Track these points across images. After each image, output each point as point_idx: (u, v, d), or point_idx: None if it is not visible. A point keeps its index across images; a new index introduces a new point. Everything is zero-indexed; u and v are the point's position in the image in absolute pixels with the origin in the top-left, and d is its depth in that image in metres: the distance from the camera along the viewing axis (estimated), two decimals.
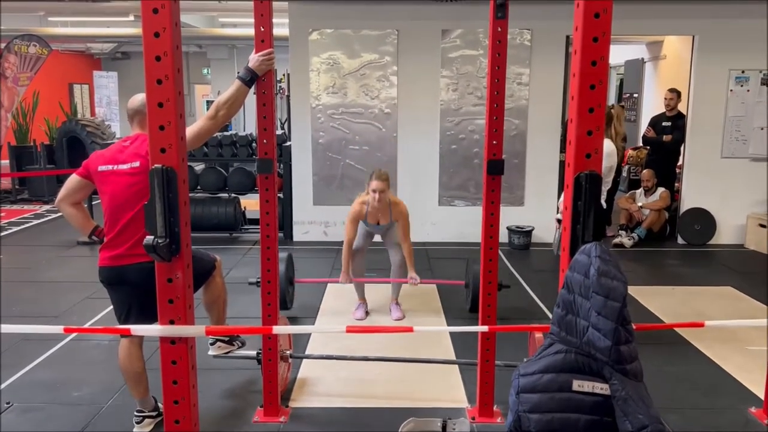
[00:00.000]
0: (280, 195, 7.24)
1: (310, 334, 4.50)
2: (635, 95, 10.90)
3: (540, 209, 7.06)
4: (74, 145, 10.34)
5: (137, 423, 3.21)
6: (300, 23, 7.09)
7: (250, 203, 7.49)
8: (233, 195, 7.61)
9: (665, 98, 7.61)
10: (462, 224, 7.14)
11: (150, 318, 2.66)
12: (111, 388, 3.67)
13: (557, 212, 4.43)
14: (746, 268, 6.40)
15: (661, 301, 5.25)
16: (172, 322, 1.97)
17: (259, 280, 3.28)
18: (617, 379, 1.48)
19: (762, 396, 3.47)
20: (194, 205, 7.18)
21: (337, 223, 7.07)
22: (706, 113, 7.12)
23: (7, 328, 2.49)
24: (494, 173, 3.13)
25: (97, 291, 4.74)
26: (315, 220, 7.36)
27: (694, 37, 7.10)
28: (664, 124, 7.64)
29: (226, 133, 7.87)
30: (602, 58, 1.71)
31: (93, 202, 7.06)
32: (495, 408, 3.39)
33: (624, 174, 9.17)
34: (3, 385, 3.71)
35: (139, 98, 3.07)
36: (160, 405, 3.22)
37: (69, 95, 15.36)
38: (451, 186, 7.33)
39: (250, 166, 7.67)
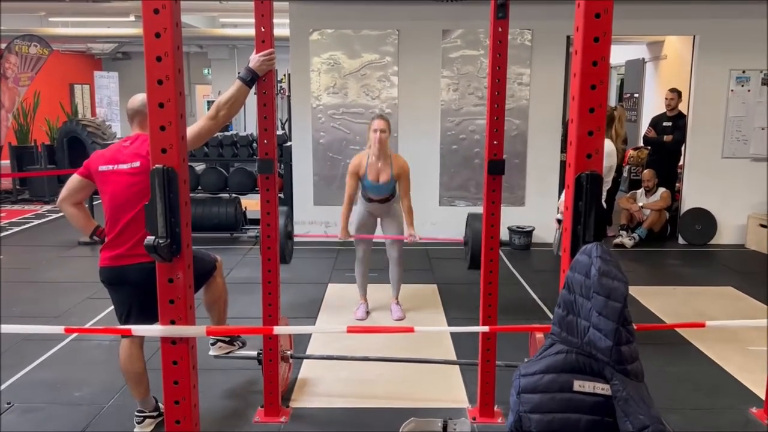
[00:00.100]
0: (281, 195, 7.24)
1: (310, 334, 4.49)
2: (636, 95, 10.90)
3: (541, 209, 7.06)
4: (75, 145, 10.35)
5: (138, 423, 3.21)
6: (300, 23, 7.09)
7: (251, 203, 7.49)
8: (234, 195, 7.61)
9: (666, 98, 7.61)
10: (463, 224, 7.09)
11: (151, 318, 2.66)
12: (112, 388, 3.67)
13: (557, 212, 4.43)
14: (747, 268, 6.40)
15: (662, 301, 5.25)
16: (172, 323, 1.97)
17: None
18: (618, 379, 1.48)
19: (763, 396, 3.46)
20: (195, 206, 7.18)
21: (337, 223, 7.05)
22: (707, 113, 7.11)
23: (8, 328, 2.49)
24: (495, 173, 3.13)
25: (98, 291, 4.74)
26: (315, 220, 7.36)
27: (694, 37, 7.10)
28: (664, 124, 7.64)
29: (226, 134, 7.88)
30: (603, 59, 1.71)
31: (94, 202, 7.07)
32: (496, 408, 3.39)
33: (625, 174, 9.17)
34: (4, 386, 3.71)
35: (139, 98, 3.07)
36: (160, 405, 3.22)
37: (70, 95, 15.37)
38: (451, 186, 7.33)
39: (251, 166, 7.67)
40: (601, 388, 1.50)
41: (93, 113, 15.30)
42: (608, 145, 4.54)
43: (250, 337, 3.73)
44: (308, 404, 3.58)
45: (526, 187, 7.30)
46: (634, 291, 5.02)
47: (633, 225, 7.42)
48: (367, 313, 4.97)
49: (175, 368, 2.01)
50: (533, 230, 7.12)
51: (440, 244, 7.09)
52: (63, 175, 7.98)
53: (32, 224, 8.50)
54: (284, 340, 3.67)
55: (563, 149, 7.14)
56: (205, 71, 16.98)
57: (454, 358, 4.14)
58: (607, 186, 4.82)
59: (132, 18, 10.65)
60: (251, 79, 2.93)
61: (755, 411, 3.47)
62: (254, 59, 2.94)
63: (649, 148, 8.32)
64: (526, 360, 2.31)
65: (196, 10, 11.29)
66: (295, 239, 6.64)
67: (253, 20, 3.00)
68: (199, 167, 8.05)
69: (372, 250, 4.98)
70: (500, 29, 2.99)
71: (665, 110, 7.68)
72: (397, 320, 4.86)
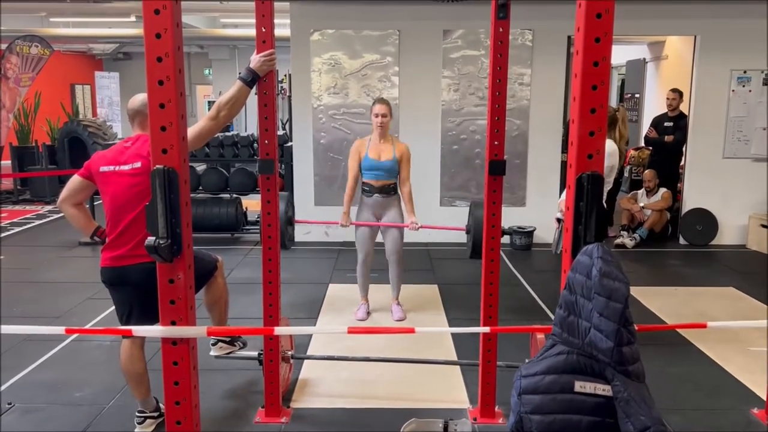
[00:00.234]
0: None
1: (311, 335, 4.49)
2: (637, 95, 10.90)
3: (541, 210, 7.04)
4: (76, 145, 10.36)
5: (139, 424, 3.21)
6: (301, 24, 7.09)
7: (252, 204, 7.49)
8: (235, 195, 7.61)
9: (667, 98, 7.60)
10: (463, 224, 7.12)
11: (151, 318, 2.66)
12: (112, 388, 3.67)
13: (557, 211, 4.42)
14: (748, 269, 6.40)
15: (663, 302, 5.25)
16: (173, 323, 1.97)
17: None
18: (619, 380, 1.48)
19: (764, 397, 3.46)
20: (196, 206, 7.18)
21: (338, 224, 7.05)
22: (708, 113, 7.11)
23: (9, 328, 2.49)
24: (496, 173, 3.13)
25: (99, 292, 4.75)
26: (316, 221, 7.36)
27: (695, 37, 7.10)
28: (666, 124, 7.64)
29: (227, 134, 7.88)
30: (604, 59, 1.71)
31: (94, 203, 7.07)
32: (497, 409, 3.39)
33: (626, 174, 9.16)
34: (4, 386, 3.71)
35: (140, 99, 3.07)
36: (161, 406, 3.22)
37: (71, 96, 15.38)
38: (452, 186, 7.33)
39: (252, 166, 7.68)
40: (603, 389, 1.50)
41: (94, 113, 15.31)
42: (610, 146, 4.53)
43: (251, 338, 3.73)
44: (309, 405, 3.58)
45: (526, 188, 7.30)
46: (635, 291, 5.02)
47: (634, 225, 7.41)
48: (368, 313, 4.97)
49: (176, 369, 2.01)
50: (534, 230, 7.11)
51: (441, 244, 7.09)
52: (64, 176, 7.98)
53: (33, 224, 8.50)
54: (285, 341, 3.67)
55: (564, 149, 7.14)
56: (206, 71, 16.99)
57: (455, 358, 4.13)
58: (608, 186, 4.81)
59: (133, 18, 10.66)
60: (252, 79, 2.93)
61: (756, 412, 3.47)
62: (255, 59, 2.94)
63: (651, 148, 8.32)
64: (527, 361, 2.30)
65: (197, 10, 11.29)
66: (296, 240, 6.65)
67: (253, 20, 3.00)
68: (200, 167, 8.05)
69: (374, 251, 4.97)
70: (501, 29, 2.98)
71: (666, 110, 7.68)
72: (397, 321, 4.86)
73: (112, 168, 3.04)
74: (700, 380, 3.89)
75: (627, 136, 6.90)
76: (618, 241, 7.20)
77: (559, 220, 4.41)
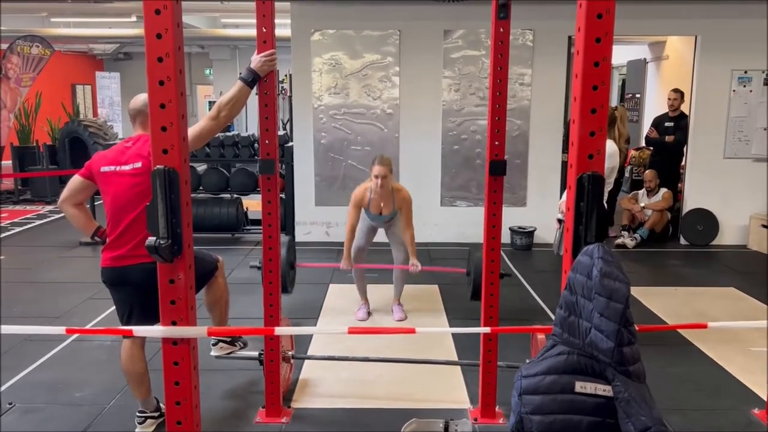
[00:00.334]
0: (282, 195, 7.24)
1: (312, 335, 4.49)
2: (637, 96, 10.89)
3: (542, 210, 7.05)
4: (76, 145, 10.36)
5: (139, 424, 3.21)
6: (302, 24, 7.09)
7: (252, 204, 7.49)
8: (235, 195, 7.62)
9: (669, 98, 7.60)
10: (464, 225, 7.14)
11: (152, 319, 2.66)
12: (113, 388, 3.67)
13: (558, 212, 4.43)
14: (749, 269, 6.39)
15: (664, 302, 5.25)
16: (174, 323, 1.97)
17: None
18: (620, 380, 1.48)
19: (764, 397, 3.46)
20: (196, 206, 7.19)
21: (339, 224, 7.06)
22: (709, 114, 7.10)
23: (9, 328, 2.49)
24: (496, 174, 3.13)
25: (99, 292, 4.75)
26: (317, 221, 7.36)
27: (696, 37, 7.10)
28: (666, 124, 7.64)
29: (228, 134, 7.87)
30: (605, 59, 1.71)
31: (95, 203, 7.07)
32: (497, 409, 3.39)
33: (626, 174, 9.16)
34: (5, 386, 3.71)
35: (141, 99, 3.07)
36: (162, 406, 3.22)
37: (71, 96, 15.39)
38: (453, 186, 7.33)
39: (252, 166, 7.67)
40: (603, 389, 1.50)
41: (95, 114, 15.32)
42: (611, 146, 4.54)
43: (252, 338, 3.74)
44: (309, 405, 3.58)
45: (527, 188, 7.30)
46: (635, 292, 5.01)
47: (635, 225, 7.41)
48: (369, 313, 4.97)
49: (177, 369, 2.01)
50: (535, 231, 7.11)
51: (442, 244, 7.09)
52: (64, 176, 7.99)
53: (34, 224, 8.51)
54: (285, 341, 3.67)
55: (565, 150, 7.14)
56: (207, 71, 16.99)
57: (455, 358, 4.13)
58: (609, 187, 4.82)
59: (134, 18, 10.66)
60: (253, 79, 2.93)
61: (757, 412, 3.47)
62: (255, 60, 2.94)
63: (651, 148, 8.32)
64: (527, 361, 2.30)
65: (198, 10, 11.30)
66: (297, 240, 6.64)
67: (254, 21, 3.00)
68: (201, 167, 8.05)
69: (371, 251, 4.97)
70: (502, 29, 2.98)
71: (667, 110, 7.68)
72: (398, 321, 4.86)
73: (112, 168, 3.04)
74: (701, 380, 3.88)
75: (626, 135, 6.90)
76: (619, 241, 7.20)
77: (560, 221, 4.41)
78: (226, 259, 3.77)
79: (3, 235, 7.79)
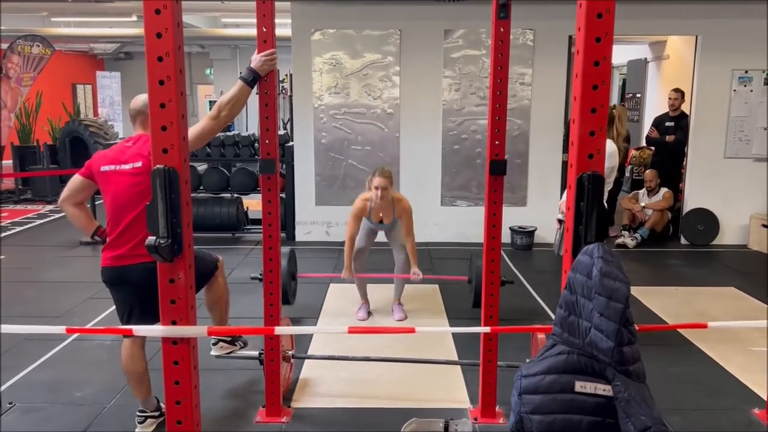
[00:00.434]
0: (283, 195, 7.24)
1: (312, 335, 4.49)
2: (638, 95, 10.89)
3: (543, 209, 7.05)
4: (77, 145, 10.37)
5: (139, 423, 3.21)
6: (302, 23, 7.09)
7: (253, 203, 7.49)
8: (236, 195, 7.62)
9: (669, 98, 7.60)
10: (464, 224, 7.14)
11: (152, 318, 2.66)
12: (113, 388, 3.68)
13: (559, 212, 4.43)
14: (749, 269, 6.39)
15: (664, 302, 5.24)
16: (174, 323, 1.97)
17: (261, 276, 3.28)
18: (620, 380, 1.48)
19: (765, 397, 3.46)
20: (197, 206, 7.19)
21: (339, 224, 7.06)
22: (709, 113, 7.10)
23: (9, 328, 2.49)
24: (497, 173, 3.13)
25: (100, 291, 4.75)
26: (317, 220, 7.36)
27: (697, 37, 7.09)
28: (667, 124, 7.63)
29: (228, 134, 7.88)
30: (605, 59, 1.71)
31: (96, 202, 7.07)
32: (497, 409, 3.39)
33: (627, 174, 9.16)
34: (5, 386, 3.71)
35: (141, 99, 3.07)
36: (162, 405, 3.22)
37: (72, 95, 15.40)
38: (453, 186, 7.33)
39: (253, 166, 7.68)
40: (603, 389, 1.50)
41: (95, 113, 15.32)
42: (610, 146, 4.53)
43: (252, 337, 3.74)
44: (310, 404, 3.58)
45: (527, 187, 7.30)
46: (635, 291, 5.01)
47: (635, 225, 7.41)
48: (369, 313, 4.97)
49: (177, 368, 2.01)
50: (535, 230, 7.11)
51: (442, 244, 7.09)
52: (65, 175, 7.99)
53: (34, 224, 8.51)
54: (286, 341, 3.67)
55: (565, 149, 7.13)
56: (207, 71, 17.00)
57: (455, 358, 4.13)
58: (608, 187, 4.81)
59: (134, 18, 10.66)
60: (253, 79, 2.93)
61: (757, 412, 3.47)
62: (256, 59, 2.94)
63: (652, 148, 8.31)
64: (527, 361, 2.30)
65: (198, 10, 11.30)
66: (297, 239, 6.64)
67: (254, 20, 3.00)
68: (201, 167, 8.06)
69: (372, 250, 4.97)
70: (502, 29, 2.98)
71: (668, 110, 7.67)
72: (398, 321, 4.86)
73: (113, 167, 3.04)
74: (701, 380, 3.88)
75: (624, 134, 6.90)
76: (619, 240, 7.20)
77: (560, 222, 4.41)
78: (226, 258, 3.77)
79: (3, 234, 7.79)
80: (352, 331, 2.85)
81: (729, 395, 3.70)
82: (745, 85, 7.04)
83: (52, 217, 8.85)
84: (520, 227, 7.11)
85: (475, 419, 3.36)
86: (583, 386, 1.51)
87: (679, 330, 4.52)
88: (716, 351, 4.24)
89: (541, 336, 3.24)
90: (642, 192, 7.59)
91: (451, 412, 3.33)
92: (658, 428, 1.42)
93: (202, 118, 3.02)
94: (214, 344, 3.54)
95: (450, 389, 3.76)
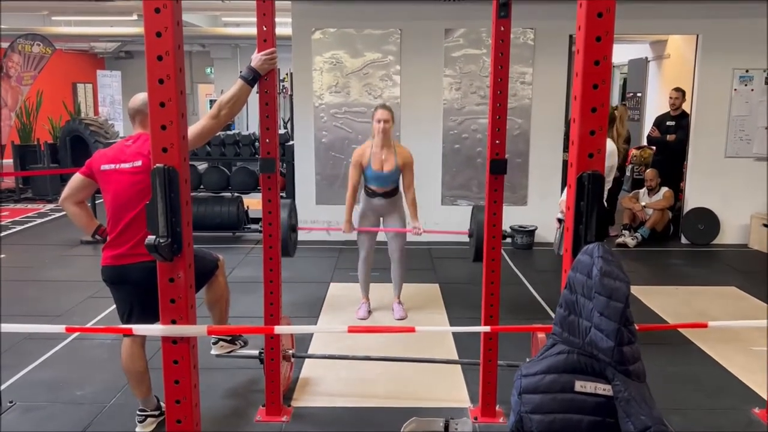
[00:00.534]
0: (283, 194, 7.24)
1: (312, 334, 4.49)
2: (639, 94, 10.88)
3: (543, 209, 7.04)
4: (77, 144, 10.37)
5: (139, 422, 3.22)
6: (303, 23, 7.08)
7: (253, 202, 7.49)
8: (236, 194, 7.62)
9: (670, 97, 7.59)
10: (465, 224, 7.09)
11: (152, 317, 2.66)
12: (113, 387, 3.68)
13: (559, 211, 4.42)
14: (750, 268, 6.39)
15: (664, 301, 5.24)
16: (173, 322, 1.97)
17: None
18: (620, 380, 1.48)
19: (765, 397, 3.46)
20: (197, 205, 7.19)
21: (339, 223, 7.03)
22: (710, 113, 7.09)
23: (10, 327, 2.49)
24: (497, 173, 3.13)
25: (100, 290, 4.75)
26: (318, 220, 7.36)
27: (697, 36, 7.08)
28: (668, 123, 7.63)
29: (228, 133, 7.88)
30: (605, 58, 1.70)
31: (96, 201, 7.08)
32: (497, 408, 3.39)
33: (628, 173, 9.15)
34: (5, 385, 3.70)
35: (140, 98, 3.07)
36: (162, 404, 3.22)
37: (72, 94, 15.40)
38: (453, 185, 7.33)
39: (253, 165, 7.68)
40: (603, 388, 1.50)
41: (96, 112, 15.32)
42: (609, 146, 4.53)
43: (252, 337, 3.74)
44: (310, 403, 3.58)
45: (528, 187, 7.29)
46: (636, 291, 5.01)
47: (636, 224, 7.41)
48: (369, 312, 4.97)
49: (176, 367, 2.01)
50: (536, 230, 7.10)
51: (442, 243, 7.08)
52: (66, 174, 7.99)
53: (35, 223, 8.51)
54: (286, 340, 3.67)
55: (566, 149, 7.13)
56: (208, 70, 17.00)
57: (455, 357, 4.13)
58: (608, 186, 4.81)
59: (134, 17, 10.67)
60: (253, 78, 2.93)
61: (757, 411, 3.46)
62: (256, 58, 2.94)
63: (653, 147, 8.30)
64: (527, 360, 2.30)
65: (199, 9, 11.31)
66: (298, 238, 6.62)
67: (255, 19, 3.00)
68: (202, 166, 8.06)
69: (375, 250, 4.97)
70: (502, 28, 2.98)
71: (669, 109, 7.66)
72: (398, 320, 4.86)
73: (113, 166, 3.04)
74: (701, 380, 3.88)
75: (625, 135, 6.90)
76: (619, 240, 7.19)
77: (560, 221, 4.40)
78: (226, 257, 3.77)
79: (4, 233, 7.79)
80: (352, 330, 2.85)
81: (729, 395, 3.70)
82: (745, 85, 7.03)
83: (53, 216, 8.86)
84: (520, 226, 7.10)
85: (475, 418, 3.36)
86: (583, 386, 1.51)
87: (680, 329, 4.52)
88: (717, 350, 4.24)
89: (541, 335, 3.24)
90: (642, 191, 7.59)
91: (451, 412, 3.33)
92: (658, 428, 1.42)
93: (203, 117, 3.02)
94: (214, 343, 3.54)
95: (450, 388, 3.76)
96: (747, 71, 7.00)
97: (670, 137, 7.52)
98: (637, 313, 1.75)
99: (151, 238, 1.85)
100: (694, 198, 7.31)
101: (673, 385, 3.77)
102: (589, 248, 1.57)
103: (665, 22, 7.05)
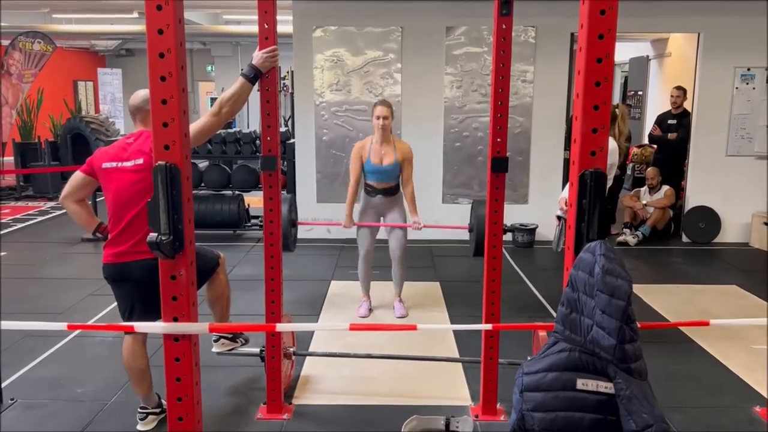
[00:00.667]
0: (284, 192, 7.24)
1: (313, 331, 4.49)
2: (640, 93, 10.87)
3: (544, 207, 7.03)
4: (78, 142, 10.36)
5: (141, 420, 3.22)
6: (304, 20, 7.08)
7: (254, 200, 7.49)
8: (237, 192, 7.61)
9: (671, 96, 7.58)
10: (465, 222, 7.11)
11: (154, 315, 2.66)
12: (115, 384, 3.68)
13: (559, 209, 4.42)
14: (751, 267, 6.39)
15: (666, 300, 5.24)
16: (175, 319, 1.97)
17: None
18: (621, 377, 1.48)
19: (766, 395, 3.45)
20: (198, 203, 7.18)
21: (340, 221, 7.05)
22: (712, 111, 7.08)
23: (11, 324, 2.50)
24: (498, 171, 3.12)
25: (101, 288, 4.75)
26: (318, 218, 7.35)
27: (699, 34, 7.07)
28: (669, 122, 7.62)
29: (229, 130, 7.88)
30: (607, 56, 1.70)
31: (97, 199, 7.08)
32: (498, 406, 3.38)
33: (629, 172, 9.15)
34: (6, 383, 3.70)
35: (141, 95, 3.07)
36: (163, 402, 3.22)
37: (73, 92, 15.39)
38: (454, 184, 7.32)
39: (254, 163, 7.67)
40: (605, 386, 1.50)
41: (97, 110, 15.32)
42: (611, 143, 4.52)
43: (253, 334, 3.74)
44: (311, 401, 3.58)
45: (529, 185, 7.29)
46: (637, 289, 4.97)
47: (637, 223, 7.40)
48: (370, 310, 4.97)
49: (178, 365, 2.01)
50: (537, 228, 7.10)
51: (443, 241, 7.08)
52: (66, 172, 7.99)
53: (35, 221, 8.52)
54: (287, 337, 3.67)
55: (567, 147, 7.13)
56: (209, 68, 16.99)
57: (456, 355, 4.13)
58: (608, 184, 4.80)
59: (135, 15, 10.66)
60: (254, 75, 2.93)
61: (758, 409, 3.46)
62: (257, 56, 2.93)
63: (655, 146, 8.29)
64: (529, 358, 2.30)
65: (200, 6, 11.29)
66: (298, 237, 6.61)
67: (256, 17, 3.00)
68: (203, 164, 8.06)
69: (375, 248, 4.97)
70: (504, 26, 2.97)
71: (670, 108, 7.65)
72: (399, 318, 4.86)
73: (114, 164, 3.04)
74: (703, 378, 3.88)
75: (626, 133, 6.88)
76: (621, 238, 7.19)
77: (559, 218, 4.40)
78: (227, 255, 3.77)
79: (5, 231, 7.80)
80: (354, 328, 2.86)
81: (730, 393, 3.70)
82: (747, 83, 7.02)
83: (54, 214, 8.86)
84: (521, 225, 7.10)
85: (476, 416, 3.36)
86: (584, 384, 1.51)
87: (681, 328, 4.52)
88: (718, 349, 4.24)
89: (542, 333, 3.23)
90: (644, 190, 7.58)
91: (452, 410, 3.33)
92: (660, 426, 1.42)
93: (203, 115, 3.02)
94: (216, 341, 3.54)
95: (451, 386, 3.76)
96: (748, 69, 6.99)
97: (671, 136, 7.52)
98: (639, 311, 1.75)
99: (152, 235, 1.85)
100: (695, 196, 7.30)
101: (674, 383, 3.77)
102: (591, 246, 1.57)
103: (667, 20, 7.04)
